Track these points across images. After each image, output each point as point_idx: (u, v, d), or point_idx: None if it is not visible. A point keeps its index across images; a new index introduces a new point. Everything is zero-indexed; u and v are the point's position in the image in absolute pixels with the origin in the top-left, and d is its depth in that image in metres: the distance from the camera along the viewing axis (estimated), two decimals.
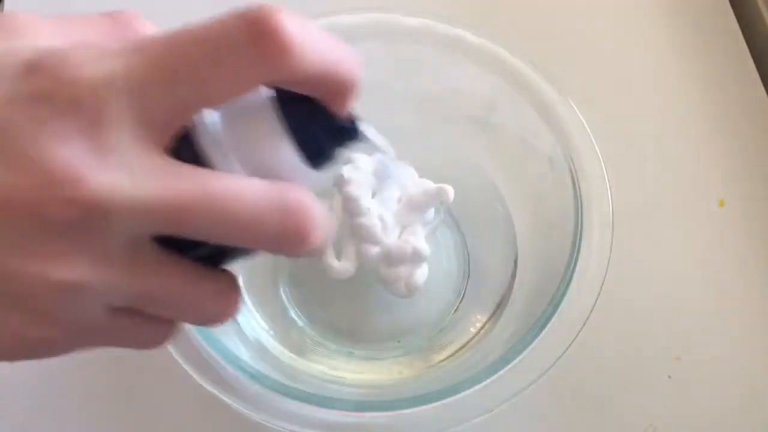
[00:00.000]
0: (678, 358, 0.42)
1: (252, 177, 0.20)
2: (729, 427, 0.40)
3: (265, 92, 0.21)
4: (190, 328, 0.31)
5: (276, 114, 0.21)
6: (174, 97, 0.19)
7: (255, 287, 0.40)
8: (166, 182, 0.19)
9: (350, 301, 0.40)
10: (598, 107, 0.40)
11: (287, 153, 0.21)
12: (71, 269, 0.19)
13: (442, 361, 0.38)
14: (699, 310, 0.43)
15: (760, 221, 0.46)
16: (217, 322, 0.22)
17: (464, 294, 0.36)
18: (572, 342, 0.32)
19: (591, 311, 0.33)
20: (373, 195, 0.36)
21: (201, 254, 0.21)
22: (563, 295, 0.33)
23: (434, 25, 0.39)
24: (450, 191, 0.36)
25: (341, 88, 0.21)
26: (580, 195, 0.35)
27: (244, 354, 0.34)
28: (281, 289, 0.40)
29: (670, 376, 0.41)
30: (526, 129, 0.39)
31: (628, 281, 0.43)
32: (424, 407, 0.31)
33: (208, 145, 0.20)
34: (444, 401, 0.31)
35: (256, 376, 0.31)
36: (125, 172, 0.19)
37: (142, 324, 0.21)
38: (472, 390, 0.31)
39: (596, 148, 0.36)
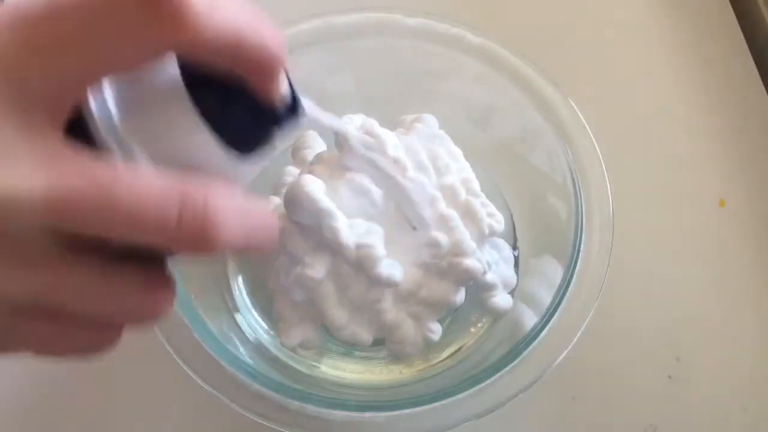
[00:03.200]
0: (678, 358, 0.42)
1: (156, 166, 0.19)
2: (729, 427, 0.40)
3: (174, 70, 0.19)
4: (189, 328, 0.31)
5: (185, 94, 0.19)
6: (58, 71, 0.17)
7: (255, 287, 0.40)
8: (49, 175, 0.17)
9: None
10: (598, 107, 0.40)
11: (200, 139, 0.19)
12: None
13: (443, 361, 0.38)
14: (699, 310, 0.43)
15: (760, 221, 0.46)
16: (146, 321, 0.20)
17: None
18: (573, 342, 0.32)
19: (591, 312, 0.33)
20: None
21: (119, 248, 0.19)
22: (563, 295, 0.33)
23: (434, 25, 0.39)
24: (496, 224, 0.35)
25: (260, 63, 0.19)
26: (580, 195, 0.35)
27: (244, 354, 0.34)
28: None
29: (670, 376, 0.41)
30: (526, 129, 0.39)
31: (629, 281, 0.43)
32: (424, 407, 0.31)
33: (102, 129, 0.18)
34: (444, 401, 0.31)
35: (256, 376, 0.31)
36: (2, 160, 0.17)
37: (61, 327, 0.19)
38: (472, 390, 0.31)
39: (596, 148, 0.36)
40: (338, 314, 0.33)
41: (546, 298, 0.34)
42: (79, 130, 0.18)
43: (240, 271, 0.40)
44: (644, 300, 0.43)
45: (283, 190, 0.32)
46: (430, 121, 0.36)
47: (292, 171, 0.37)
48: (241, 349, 0.35)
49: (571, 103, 0.37)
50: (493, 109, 0.40)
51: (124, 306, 0.20)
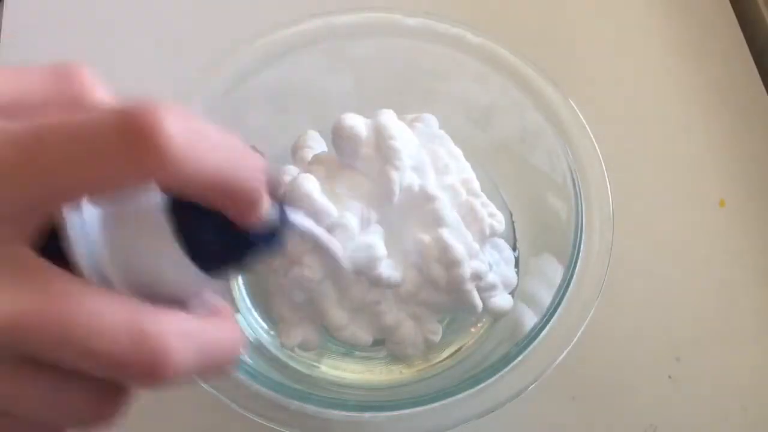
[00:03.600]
0: (678, 358, 0.42)
1: (126, 281, 0.19)
2: (729, 427, 0.40)
3: (153, 190, 0.19)
4: None
5: (162, 215, 0.19)
6: (30, 192, 0.17)
7: (254, 287, 0.40)
8: (10, 295, 0.17)
9: None
10: (598, 107, 0.40)
11: (174, 259, 0.19)
12: None
13: (443, 361, 0.38)
14: (699, 310, 0.43)
15: (760, 221, 0.46)
16: (95, 427, 0.20)
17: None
18: (573, 342, 0.32)
19: (591, 312, 0.33)
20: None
21: None
22: (563, 295, 0.33)
23: (434, 25, 0.39)
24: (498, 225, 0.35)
25: (239, 199, 0.19)
26: (580, 195, 0.35)
27: (243, 354, 0.34)
28: None
29: (670, 376, 0.41)
30: (526, 129, 0.39)
31: (628, 281, 0.43)
32: (424, 407, 0.31)
33: (75, 246, 0.19)
34: (444, 401, 0.31)
35: (256, 376, 0.31)
36: None
37: (11, 424, 0.20)
38: (472, 390, 0.31)
39: (596, 148, 0.36)
40: (338, 315, 0.33)
41: (546, 298, 0.34)
42: (53, 241, 0.19)
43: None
44: (644, 300, 0.43)
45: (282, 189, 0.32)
46: (430, 121, 0.36)
47: (292, 170, 0.37)
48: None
49: (571, 103, 0.37)
50: (493, 109, 0.40)
51: (73, 415, 0.20)
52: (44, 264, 0.18)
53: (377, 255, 0.31)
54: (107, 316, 0.18)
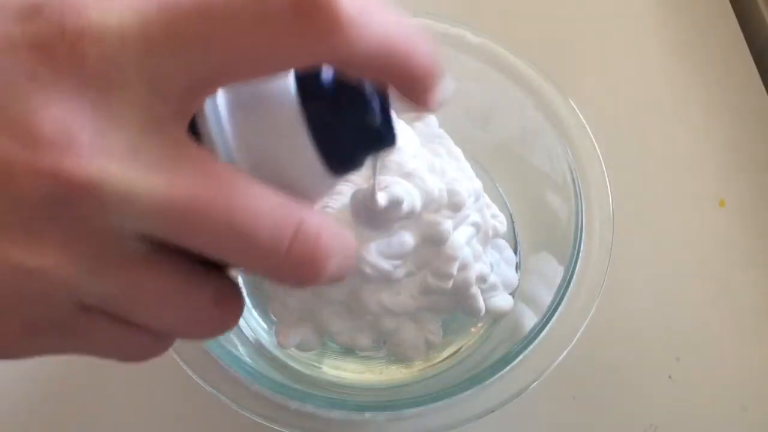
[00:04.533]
0: (678, 358, 0.42)
1: (259, 177, 0.18)
2: (729, 427, 0.40)
3: (290, 81, 0.18)
4: None
5: (298, 110, 0.18)
6: (196, 66, 0.16)
7: (254, 287, 0.40)
8: (174, 177, 0.16)
9: None
10: (598, 107, 0.40)
11: (304, 155, 0.18)
12: (35, 254, 0.16)
13: (443, 361, 0.38)
14: (699, 310, 0.43)
15: (760, 221, 0.46)
16: (212, 335, 0.19)
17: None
18: (572, 342, 0.32)
19: (591, 312, 0.33)
20: None
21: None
22: (563, 295, 0.33)
23: (434, 24, 0.39)
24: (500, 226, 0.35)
25: (411, 79, 0.18)
26: (580, 195, 0.35)
27: (243, 354, 0.34)
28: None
29: (670, 376, 0.41)
30: (526, 129, 0.39)
31: (628, 281, 0.43)
32: (424, 407, 0.31)
33: (212, 134, 0.17)
34: (444, 401, 0.31)
35: (256, 376, 0.31)
36: (126, 153, 0.15)
37: (123, 331, 0.18)
38: (472, 390, 0.31)
39: (596, 148, 0.36)
40: (336, 319, 0.32)
41: (546, 298, 0.34)
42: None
43: (239, 271, 0.40)
44: (644, 300, 0.43)
45: None
46: (430, 120, 0.36)
47: None
48: (241, 349, 0.35)
49: (571, 103, 0.37)
50: (493, 109, 0.40)
51: (194, 317, 0.18)
52: (202, 149, 0.17)
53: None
54: (268, 207, 0.17)
